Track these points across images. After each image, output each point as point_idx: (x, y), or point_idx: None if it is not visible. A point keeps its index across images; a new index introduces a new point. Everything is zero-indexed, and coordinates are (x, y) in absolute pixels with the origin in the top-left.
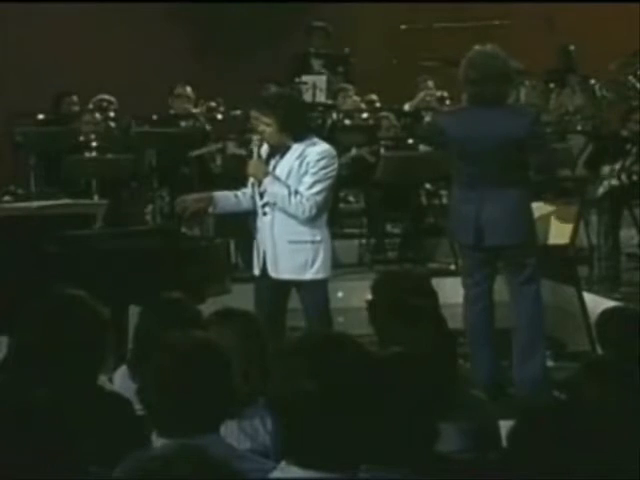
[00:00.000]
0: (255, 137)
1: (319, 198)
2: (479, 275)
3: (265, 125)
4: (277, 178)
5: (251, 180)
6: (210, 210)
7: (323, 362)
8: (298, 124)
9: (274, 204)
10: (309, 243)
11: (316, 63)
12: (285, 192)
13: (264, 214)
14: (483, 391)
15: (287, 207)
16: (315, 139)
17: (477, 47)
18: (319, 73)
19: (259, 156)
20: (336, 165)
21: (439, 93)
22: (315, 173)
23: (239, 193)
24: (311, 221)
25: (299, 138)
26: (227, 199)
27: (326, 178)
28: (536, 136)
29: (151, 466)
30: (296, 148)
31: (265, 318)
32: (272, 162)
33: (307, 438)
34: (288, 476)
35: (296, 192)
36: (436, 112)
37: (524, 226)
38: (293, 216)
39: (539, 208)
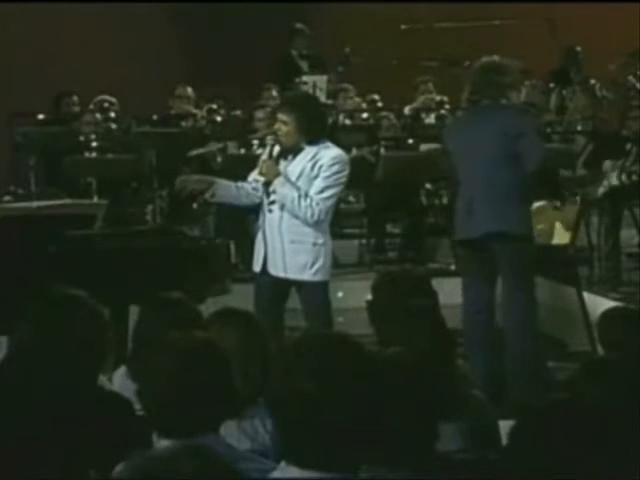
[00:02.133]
0: (270, 136)
1: (329, 203)
2: (475, 276)
3: (282, 124)
4: (289, 180)
5: (252, 176)
6: (208, 196)
7: (322, 362)
8: (315, 127)
9: (284, 205)
10: (310, 245)
11: (304, 64)
12: (295, 195)
13: (270, 211)
14: (482, 391)
15: (296, 210)
16: (328, 143)
17: (484, 59)
18: (310, 74)
19: (271, 156)
20: (347, 171)
21: (438, 98)
22: (327, 177)
23: (239, 185)
24: (315, 224)
25: (314, 141)
26: (228, 189)
27: (337, 184)
28: (516, 127)
29: (155, 466)
30: (309, 150)
31: (264, 315)
32: (284, 162)
33: (305, 438)
34: (288, 476)
35: (306, 195)
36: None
37: (511, 217)
38: (300, 218)
39: (541, 208)
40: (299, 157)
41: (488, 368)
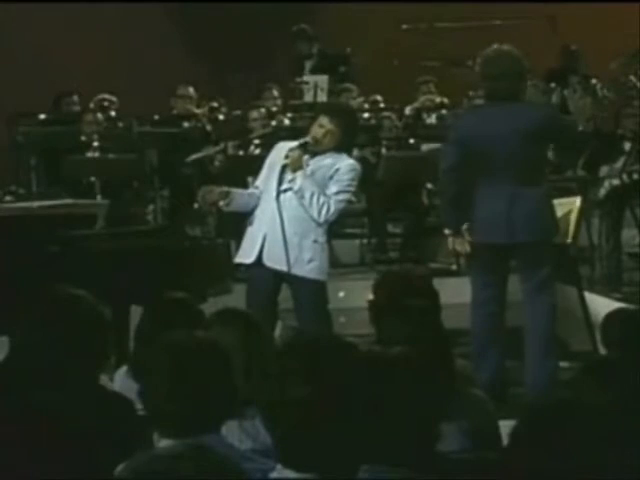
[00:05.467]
0: (309, 136)
1: (340, 206)
2: (490, 277)
3: (324, 130)
4: (312, 175)
5: (257, 182)
6: (222, 205)
7: (312, 364)
8: (349, 140)
9: (301, 197)
10: (311, 241)
11: (307, 64)
12: (315, 189)
13: (277, 201)
14: (487, 392)
15: (313, 204)
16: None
17: (494, 46)
18: (311, 74)
19: (301, 147)
20: (357, 181)
21: (438, 99)
22: (342, 182)
23: (249, 192)
24: (322, 223)
25: (341, 150)
26: (241, 197)
27: (349, 190)
28: (556, 126)
29: (158, 466)
30: (330, 155)
31: (258, 309)
32: (305, 156)
33: (300, 442)
34: (284, 476)
35: (324, 194)
36: (454, 113)
37: (548, 223)
38: (310, 213)
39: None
40: (317, 157)
41: (496, 368)
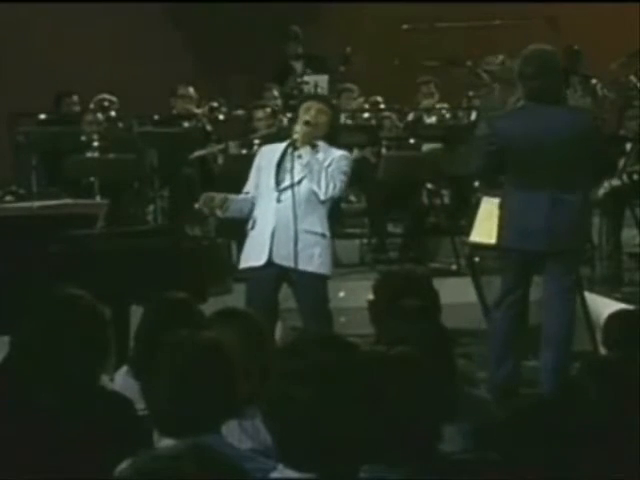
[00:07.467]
0: (302, 121)
1: (342, 186)
2: (518, 281)
3: (316, 108)
4: (316, 155)
5: (247, 187)
6: (218, 212)
7: (314, 365)
8: (337, 125)
9: (310, 172)
10: (319, 236)
11: (298, 65)
12: (322, 166)
13: (279, 201)
14: (493, 393)
15: (320, 178)
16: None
17: (532, 46)
18: (305, 74)
19: (309, 123)
20: (351, 169)
21: (439, 105)
22: (341, 167)
23: (241, 197)
24: (323, 213)
25: (327, 140)
26: (237, 203)
27: (347, 175)
28: (596, 134)
29: (158, 465)
30: (321, 146)
31: (262, 309)
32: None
33: (301, 442)
34: (285, 476)
35: (331, 175)
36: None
37: (586, 229)
38: (316, 189)
39: None
40: (312, 150)
41: (513, 370)
